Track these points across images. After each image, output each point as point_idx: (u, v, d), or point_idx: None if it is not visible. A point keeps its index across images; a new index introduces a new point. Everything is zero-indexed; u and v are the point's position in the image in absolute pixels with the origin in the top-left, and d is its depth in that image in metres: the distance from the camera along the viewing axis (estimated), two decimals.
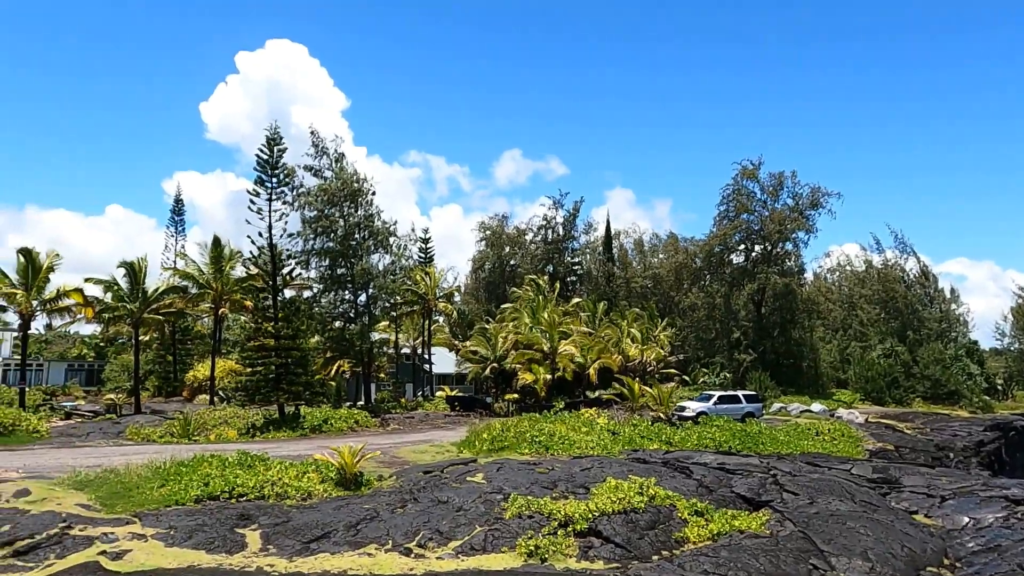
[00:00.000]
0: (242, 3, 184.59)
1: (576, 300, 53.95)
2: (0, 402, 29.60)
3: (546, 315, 41.52)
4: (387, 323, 44.46)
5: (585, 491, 13.44)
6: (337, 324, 39.09)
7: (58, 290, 33.65)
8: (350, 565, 10.03)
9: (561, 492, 13.45)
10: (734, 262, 59.29)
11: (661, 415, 28.26)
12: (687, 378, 50.65)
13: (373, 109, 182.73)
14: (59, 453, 19.57)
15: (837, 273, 79.60)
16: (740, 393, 33.81)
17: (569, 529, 11.23)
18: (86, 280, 36.15)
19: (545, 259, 65.73)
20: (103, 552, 9.98)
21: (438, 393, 45.75)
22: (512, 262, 67.53)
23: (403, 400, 42.17)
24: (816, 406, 41.19)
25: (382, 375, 47.89)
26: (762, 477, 14.79)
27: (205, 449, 18.62)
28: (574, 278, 68.04)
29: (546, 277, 55.90)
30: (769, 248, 56.05)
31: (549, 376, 38.23)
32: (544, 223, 67.40)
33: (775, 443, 21.43)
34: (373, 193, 37.90)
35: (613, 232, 71.74)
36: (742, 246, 58.50)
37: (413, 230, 46.21)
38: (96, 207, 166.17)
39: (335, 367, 42.01)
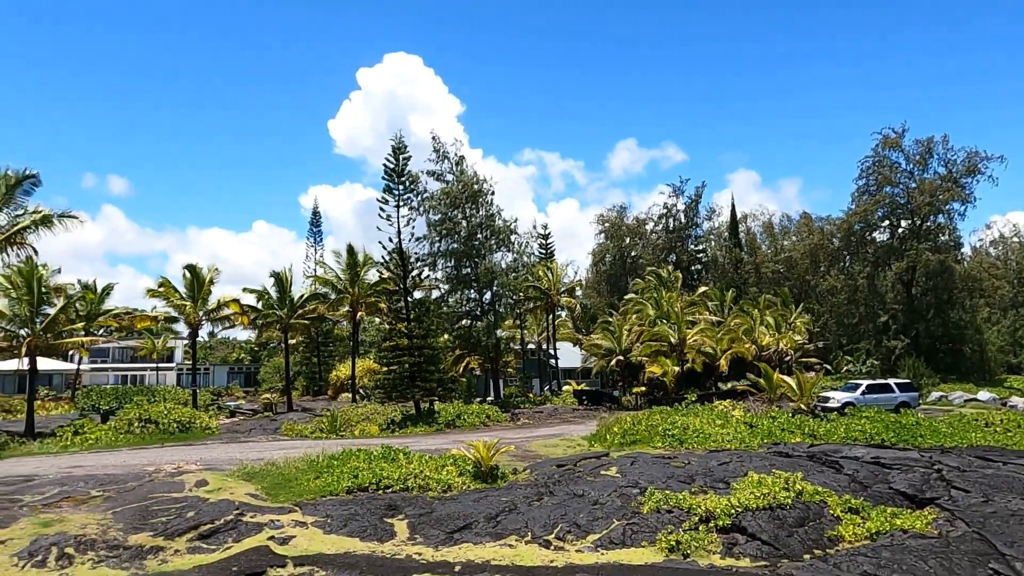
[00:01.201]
0: (361, 22, 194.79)
1: (702, 289, 52.11)
2: (177, 402, 33.14)
3: (671, 305, 40.45)
4: (512, 320, 45.24)
5: (725, 486, 12.96)
6: (464, 322, 40.31)
7: (219, 301, 37.23)
8: (492, 555, 10.32)
9: (699, 487, 13.06)
10: (877, 240, 54.81)
11: (802, 406, 26.67)
12: (829, 367, 47.45)
13: (486, 112, 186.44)
14: (228, 448, 21.64)
15: (1001, 246, 71.41)
16: (892, 382, 31.22)
17: (711, 525, 10.89)
18: (242, 290, 39.65)
19: (667, 248, 64.06)
20: (272, 537, 10.94)
21: (565, 388, 45.93)
22: (633, 253, 66.38)
23: (531, 395, 42.72)
24: (984, 394, 37.20)
25: (509, 371, 48.80)
26: (925, 472, 13.55)
27: (351, 444, 19.86)
28: (699, 266, 65.78)
29: (669, 267, 54.46)
30: (918, 223, 51.29)
31: (677, 368, 37.24)
32: (664, 212, 65.70)
33: (936, 435, 19.54)
34: (492, 193, 38.70)
35: (739, 216, 68.60)
36: (886, 222, 53.97)
37: (534, 227, 46.83)
38: (245, 224, 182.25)
39: (464, 364, 43.38)
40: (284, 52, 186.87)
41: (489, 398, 40.44)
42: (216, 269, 37.55)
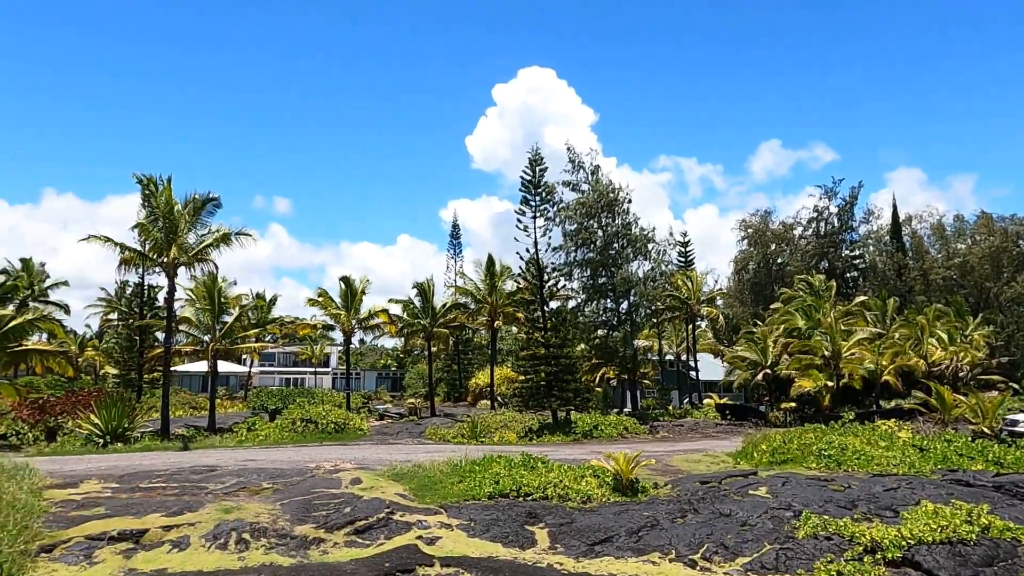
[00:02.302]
0: (495, 40, 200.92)
1: (860, 298, 48.04)
2: (333, 404, 35.72)
3: (825, 315, 37.64)
4: (650, 330, 44.27)
5: (893, 515, 11.80)
6: (600, 332, 40.04)
7: (369, 310, 39.80)
8: (635, 571, 10.10)
9: (862, 514, 11.98)
10: None
11: (984, 429, 23.71)
12: (1016, 386, 41.85)
13: (620, 120, 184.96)
14: (377, 448, 22.97)
15: None
16: None
17: (877, 557, 9.93)
18: (389, 301, 42.10)
19: (818, 254, 59.80)
20: (419, 537, 11.43)
21: (706, 401, 44.16)
22: (779, 260, 62.67)
23: (670, 408, 41.51)
24: None
25: (647, 382, 47.75)
26: None
27: (491, 450, 20.33)
28: (855, 273, 60.79)
29: (821, 274, 50.75)
30: None
31: (832, 383, 34.54)
32: (814, 215, 61.49)
33: None
34: (629, 201, 38.24)
35: (902, 218, 62.62)
36: None
37: (671, 234, 45.55)
38: (390, 238, 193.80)
39: (600, 374, 43.05)
40: (424, 74, 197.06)
41: (626, 409, 39.80)
42: (367, 280, 40.18)
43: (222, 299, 32.83)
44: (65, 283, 58.10)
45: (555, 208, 36.91)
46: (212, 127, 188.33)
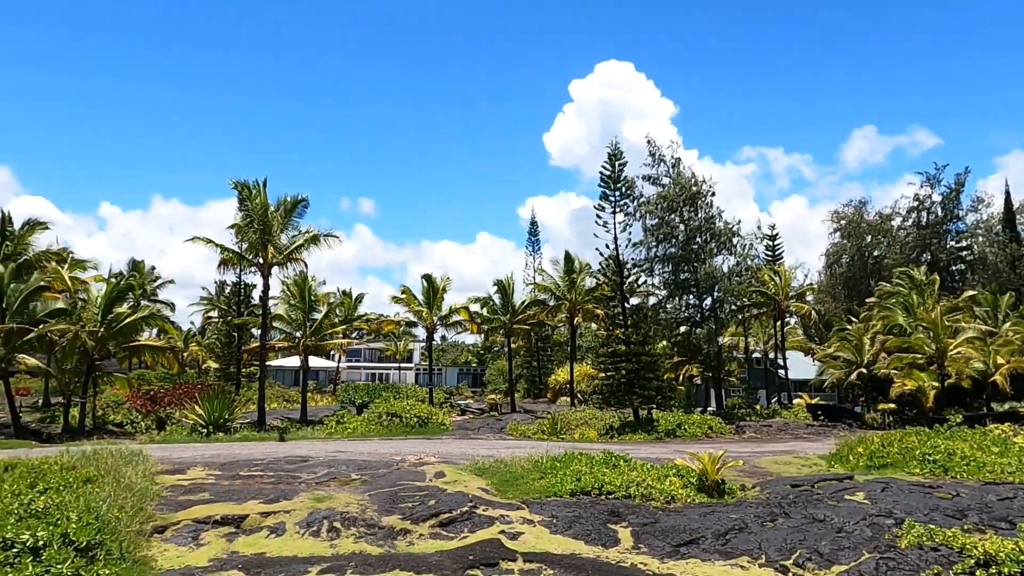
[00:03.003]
0: (572, 36, 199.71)
1: (968, 293, 44.75)
2: (417, 399, 36.63)
3: (927, 311, 35.29)
4: (735, 326, 42.92)
5: (1009, 526, 10.92)
6: (683, 329, 39.13)
7: (450, 307, 40.54)
8: (723, 575, 9.82)
9: (973, 524, 11.16)
10: None
11: None
12: None
13: (701, 112, 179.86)
14: (460, 443, 23.36)
15: None
16: None
17: (992, 571, 9.22)
18: (469, 298, 42.71)
19: (919, 246, 56.14)
20: (502, 532, 11.54)
21: (796, 401, 42.35)
22: (875, 253, 59.28)
23: (757, 407, 40.08)
24: None
25: (732, 380, 46.29)
26: None
27: (571, 447, 20.27)
28: (961, 266, 56.71)
29: (923, 267, 47.60)
30: None
31: (936, 384, 32.35)
32: (915, 204, 57.77)
33: None
34: (712, 194, 37.14)
35: (1016, 205, 57.74)
36: None
37: (758, 227, 43.65)
38: (470, 236, 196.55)
39: (683, 372, 42.09)
40: (502, 74, 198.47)
41: (710, 408, 38.77)
42: (447, 278, 40.93)
43: (312, 297, 34.37)
44: (171, 282, 62.43)
45: (635, 203, 36.35)
46: (304, 135, 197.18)
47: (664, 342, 39.63)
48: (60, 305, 31.44)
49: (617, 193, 31.49)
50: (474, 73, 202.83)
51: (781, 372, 46.96)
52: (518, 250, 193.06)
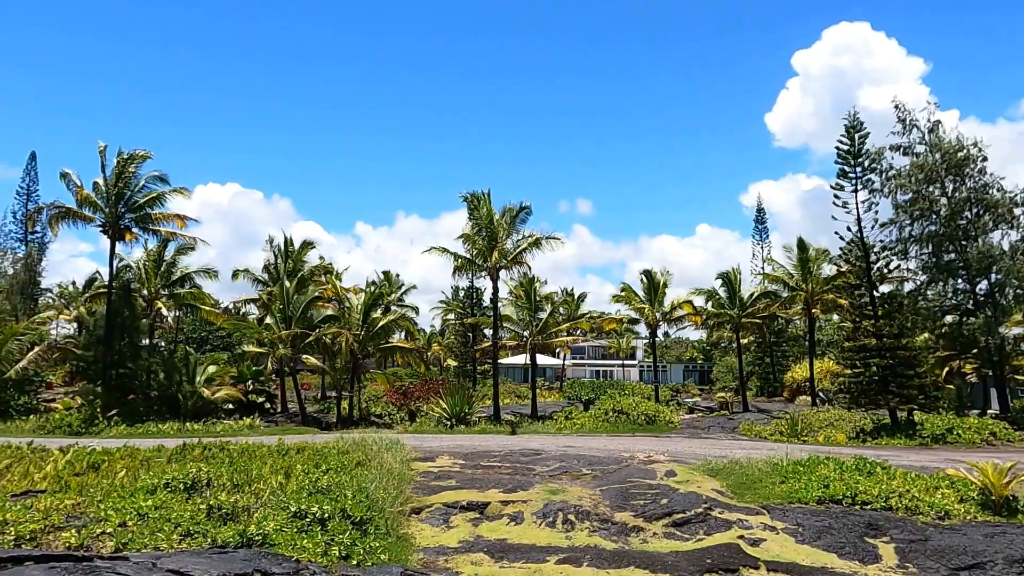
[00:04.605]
0: (792, 4, 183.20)
1: None
2: (642, 397, 36.35)
3: None
4: (1022, 315, 35.95)
5: None
6: (949, 319, 33.71)
7: (672, 303, 39.54)
8: None
9: None
10: None
11: None
12: None
13: (959, 66, 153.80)
14: (689, 442, 22.67)
15: None
16: None
17: None
18: (692, 292, 41.27)
19: None
20: (741, 537, 10.95)
21: None
22: None
23: None
24: None
25: (1020, 378, 38.80)
26: None
27: (815, 450, 18.60)
28: None
29: None
30: None
31: None
32: None
33: None
34: (983, 159, 31.48)
35: None
36: None
37: None
38: (689, 229, 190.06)
39: (951, 368, 36.35)
40: (715, 58, 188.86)
41: (991, 411, 32.88)
42: (668, 273, 40.04)
43: (536, 297, 35.89)
44: (414, 287, 69.44)
45: (881, 177, 32.08)
46: (524, 144, 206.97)
47: (925, 334, 34.47)
48: (330, 312, 36.72)
49: (858, 168, 28.17)
50: (685, 62, 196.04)
51: None
52: (742, 240, 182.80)
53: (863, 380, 27.03)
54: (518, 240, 31.59)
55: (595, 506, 12.56)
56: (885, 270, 29.12)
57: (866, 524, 11.18)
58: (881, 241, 30.53)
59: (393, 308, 51.61)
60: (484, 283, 47.70)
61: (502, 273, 31.97)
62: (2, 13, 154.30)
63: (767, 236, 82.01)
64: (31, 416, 29.13)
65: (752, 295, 41.70)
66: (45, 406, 32.50)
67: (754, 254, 79.53)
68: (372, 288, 48.93)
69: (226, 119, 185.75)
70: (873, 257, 28.23)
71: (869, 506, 12.09)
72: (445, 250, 31.68)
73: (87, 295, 47.23)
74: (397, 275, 64.20)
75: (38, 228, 62.42)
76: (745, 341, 49.73)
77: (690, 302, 40.12)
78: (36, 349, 33.09)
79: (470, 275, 38.11)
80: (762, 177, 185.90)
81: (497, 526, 11.78)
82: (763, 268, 65.43)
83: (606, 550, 10.58)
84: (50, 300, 61.77)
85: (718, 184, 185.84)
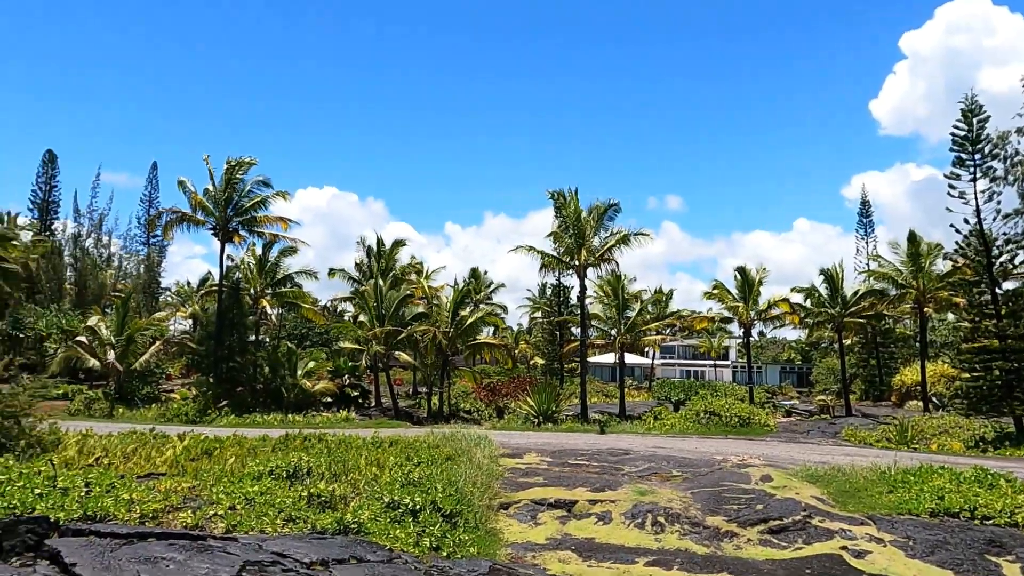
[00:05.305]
0: None
1: None
2: (735, 398, 35.10)
3: None
4: None
5: None
6: None
7: (768, 301, 37.94)
8: None
9: None
10: None
11: None
12: None
13: None
14: (786, 447, 21.69)
15: None
16: None
17: None
18: (791, 290, 39.44)
19: None
20: (844, 547, 10.37)
21: None
22: None
23: None
24: None
25: None
26: None
27: (927, 459, 17.37)
28: None
29: None
30: None
31: None
32: None
33: None
34: None
35: None
36: None
37: None
38: (785, 224, 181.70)
39: None
40: (812, 44, 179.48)
41: None
42: (764, 270, 38.45)
43: (624, 295, 35.36)
44: (502, 286, 70.19)
45: (1006, 164, 29.41)
46: (609, 141, 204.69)
47: None
48: (421, 310, 37.71)
49: (977, 155, 25.98)
50: (780, 52, 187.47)
51: None
52: (844, 235, 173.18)
53: (983, 385, 24.97)
54: (606, 237, 31.26)
55: (686, 509, 12.26)
56: (1009, 265, 26.71)
57: (987, 540, 10.33)
58: (1004, 234, 27.99)
59: (481, 306, 52.38)
60: (571, 281, 47.53)
61: (589, 271, 31.74)
62: (126, 26, 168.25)
63: (872, 230, 77.18)
64: (153, 405, 31.69)
65: (856, 293, 39.36)
66: (165, 396, 35.28)
67: (858, 249, 75.15)
68: (461, 286, 49.86)
69: (324, 125, 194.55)
70: (995, 251, 25.99)
71: (991, 521, 11.17)
72: (532, 248, 31.78)
73: (200, 293, 50.82)
74: (485, 272, 65.12)
75: (158, 232, 67.67)
76: (848, 341, 47.00)
77: (787, 300, 38.32)
78: (157, 343, 35.98)
79: (557, 273, 38.07)
80: (866, 168, 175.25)
81: (585, 525, 11.72)
82: (867, 264, 61.60)
83: (697, 554, 10.30)
84: (168, 298, 66.92)
85: (818, 176, 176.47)
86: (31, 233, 51.57)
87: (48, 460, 10.97)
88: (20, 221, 50.83)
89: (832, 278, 38.75)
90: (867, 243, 74.36)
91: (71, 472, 10.11)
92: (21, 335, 41.58)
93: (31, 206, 66.81)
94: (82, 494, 8.43)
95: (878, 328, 47.57)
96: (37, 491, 8.17)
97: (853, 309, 38.58)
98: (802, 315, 39.95)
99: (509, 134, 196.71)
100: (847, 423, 30.88)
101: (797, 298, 40.23)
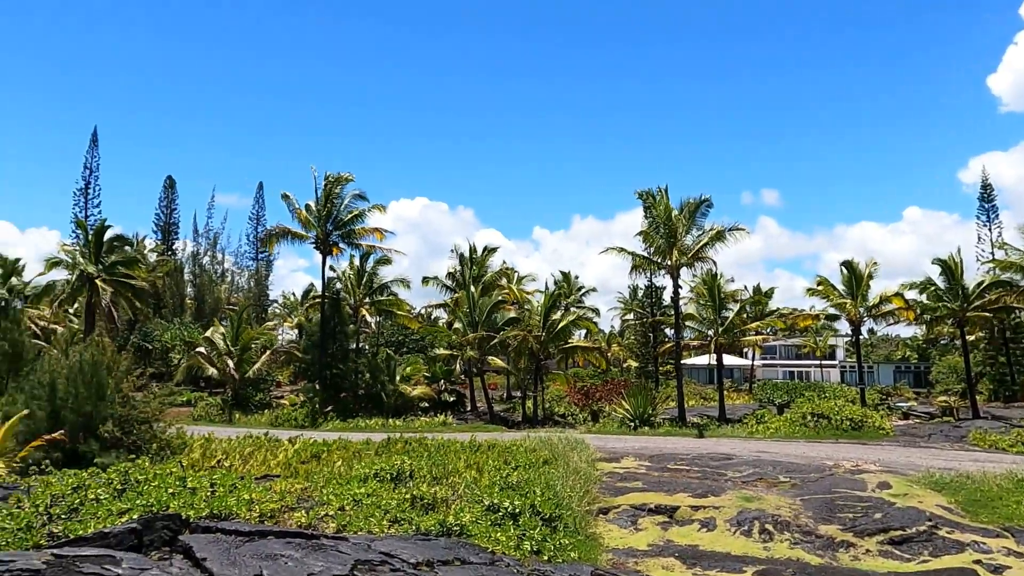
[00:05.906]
0: None
1: None
2: (845, 400, 33.14)
3: None
4: None
5: None
6: None
7: (880, 296, 35.59)
8: None
9: None
10: None
11: None
12: None
13: None
14: (905, 451, 20.25)
15: None
16: None
17: None
18: (902, 285, 36.87)
19: None
20: (978, 561, 9.56)
21: None
22: None
23: None
24: None
25: None
26: None
27: None
28: None
29: None
30: None
31: None
32: None
33: None
34: None
35: None
36: None
37: None
38: (894, 214, 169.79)
39: None
40: (916, 27, 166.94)
41: None
42: (874, 263, 36.14)
43: (720, 295, 34.19)
44: (593, 289, 69.57)
45: None
46: (699, 136, 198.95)
47: None
48: (512, 315, 38.03)
49: None
50: (884, 29, 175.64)
51: None
52: (963, 222, 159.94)
53: None
54: (698, 235, 30.38)
55: (795, 516, 11.69)
56: None
57: None
58: None
59: (572, 309, 52.15)
60: (663, 281, 46.48)
61: (683, 270, 30.94)
62: (231, 45, 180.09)
63: (996, 216, 70.54)
64: (265, 411, 33.69)
65: (980, 284, 36.19)
66: (275, 402, 37.41)
67: (980, 238, 68.85)
68: (552, 290, 49.90)
69: (416, 136, 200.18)
70: None
71: None
72: (622, 249, 31.33)
73: (305, 305, 53.57)
74: (576, 276, 64.77)
75: (265, 249, 71.86)
76: (972, 338, 43.27)
77: (900, 294, 35.73)
78: (267, 352, 38.23)
79: (648, 274, 37.31)
80: (986, 148, 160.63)
81: (688, 531, 11.41)
82: (992, 254, 56.54)
83: (810, 564, 9.79)
84: (276, 309, 70.95)
85: (930, 161, 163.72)
86: (156, 254, 56.26)
87: (177, 462, 11.90)
88: (146, 243, 55.51)
89: (950, 269, 35.82)
90: (990, 230, 68.01)
91: (198, 473, 10.91)
92: (150, 347, 45.43)
93: (155, 228, 72.66)
94: (208, 494, 9.08)
95: (1007, 323, 43.55)
96: (170, 490, 8.88)
97: (977, 303, 35.47)
98: (918, 311, 37.15)
99: (595, 136, 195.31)
100: (974, 426, 28.42)
101: (911, 292, 37.46)
